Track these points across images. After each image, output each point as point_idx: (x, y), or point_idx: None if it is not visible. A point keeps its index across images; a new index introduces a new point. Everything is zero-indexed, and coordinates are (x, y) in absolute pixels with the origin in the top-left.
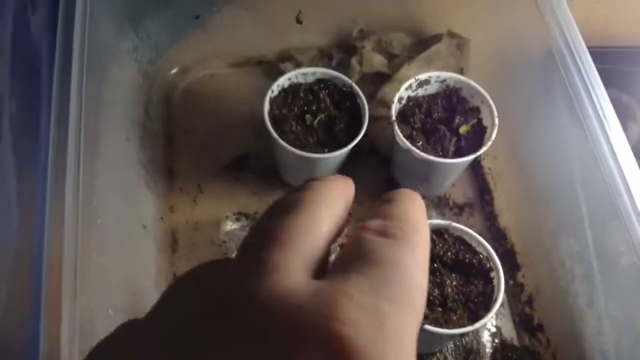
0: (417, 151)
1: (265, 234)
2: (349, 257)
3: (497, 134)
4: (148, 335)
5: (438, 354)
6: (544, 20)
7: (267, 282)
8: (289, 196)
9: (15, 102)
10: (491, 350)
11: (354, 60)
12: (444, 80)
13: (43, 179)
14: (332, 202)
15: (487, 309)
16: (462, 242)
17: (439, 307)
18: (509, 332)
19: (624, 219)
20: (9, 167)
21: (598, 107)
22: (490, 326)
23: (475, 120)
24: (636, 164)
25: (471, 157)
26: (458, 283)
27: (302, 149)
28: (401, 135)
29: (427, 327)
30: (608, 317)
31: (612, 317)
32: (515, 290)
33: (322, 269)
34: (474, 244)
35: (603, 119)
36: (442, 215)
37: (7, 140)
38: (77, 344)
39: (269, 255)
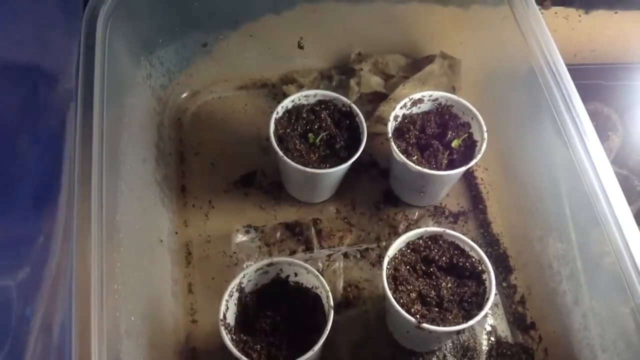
0: (413, 165)
1: None
2: None
3: (487, 147)
4: None
5: (437, 352)
6: (526, 40)
7: None
8: None
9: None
10: (487, 348)
11: (352, 82)
12: (436, 99)
13: (70, 196)
14: None
15: (480, 308)
16: (455, 247)
17: (435, 308)
18: (504, 331)
19: (603, 224)
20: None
21: (577, 120)
22: (486, 325)
23: (466, 135)
24: (613, 173)
25: (463, 168)
26: (453, 285)
27: (306, 165)
28: (397, 151)
29: (425, 325)
30: (592, 313)
31: (595, 313)
32: (508, 292)
33: None
34: (466, 249)
35: (582, 132)
36: (439, 224)
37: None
38: (105, 349)
39: None
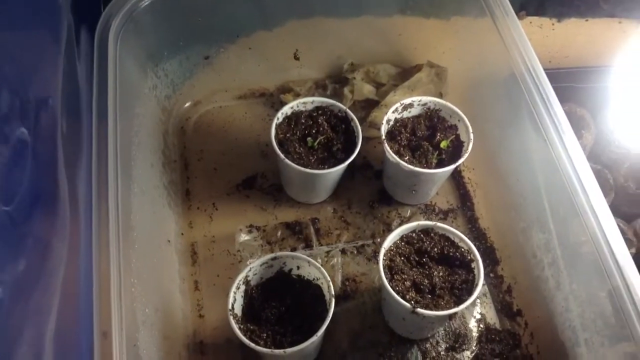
0: (405, 164)
1: None
2: None
3: (473, 147)
4: None
5: (431, 339)
6: (507, 47)
7: None
8: None
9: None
10: (477, 334)
11: (346, 90)
12: (425, 104)
13: (89, 198)
14: None
15: (470, 293)
16: (446, 239)
17: (428, 295)
18: (492, 318)
19: (581, 214)
20: (63, 191)
21: (555, 120)
22: (475, 314)
23: (454, 136)
24: (589, 167)
25: (451, 167)
26: (444, 273)
27: (305, 167)
28: (390, 152)
29: (419, 310)
30: (573, 296)
31: (576, 296)
32: (496, 282)
33: None
34: (456, 240)
35: (560, 130)
36: (430, 220)
37: (61, 165)
38: (124, 337)
39: None
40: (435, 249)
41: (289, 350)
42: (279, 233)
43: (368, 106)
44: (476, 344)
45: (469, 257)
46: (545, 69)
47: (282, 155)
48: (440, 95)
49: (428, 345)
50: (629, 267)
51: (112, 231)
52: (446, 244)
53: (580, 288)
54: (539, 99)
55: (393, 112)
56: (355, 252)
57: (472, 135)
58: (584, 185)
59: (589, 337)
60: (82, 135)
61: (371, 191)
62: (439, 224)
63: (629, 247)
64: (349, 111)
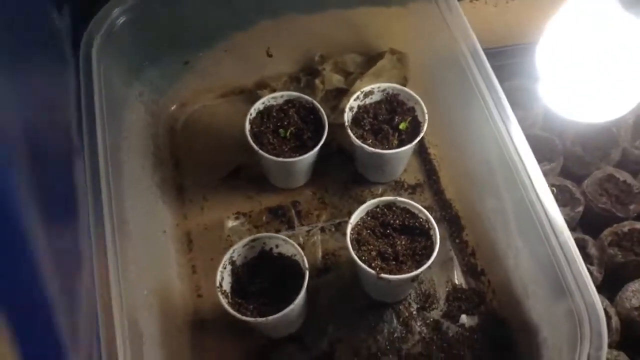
0: (368, 147)
1: None
2: None
3: (435, 125)
4: None
5: (404, 301)
6: (450, 29)
7: None
8: None
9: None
10: (445, 294)
11: (317, 81)
12: (384, 90)
13: (85, 201)
14: None
15: (429, 257)
16: (406, 211)
17: (393, 261)
18: (459, 279)
19: (519, 183)
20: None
21: (495, 97)
22: (443, 276)
23: (411, 118)
24: (525, 140)
25: (409, 146)
26: (406, 242)
27: (279, 156)
28: (354, 137)
29: (383, 275)
30: (520, 253)
31: (522, 254)
32: (461, 247)
33: None
34: (415, 212)
35: (500, 107)
36: (399, 196)
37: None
38: (125, 316)
39: None
40: (397, 221)
41: (271, 318)
42: (264, 217)
43: (340, 94)
44: (444, 303)
45: (427, 226)
46: (502, 47)
47: (256, 148)
48: (405, 80)
49: (401, 307)
50: (564, 227)
51: (107, 225)
52: (407, 215)
53: (525, 246)
54: (480, 78)
55: (355, 100)
56: (334, 229)
57: (427, 116)
58: (521, 156)
59: (535, 287)
60: (73, 148)
61: (345, 173)
62: (400, 198)
63: (577, 206)
64: (315, 102)
